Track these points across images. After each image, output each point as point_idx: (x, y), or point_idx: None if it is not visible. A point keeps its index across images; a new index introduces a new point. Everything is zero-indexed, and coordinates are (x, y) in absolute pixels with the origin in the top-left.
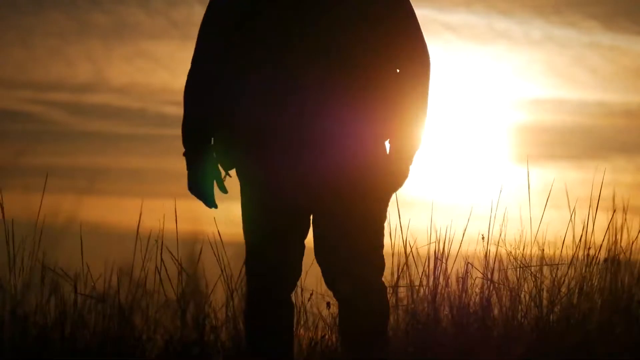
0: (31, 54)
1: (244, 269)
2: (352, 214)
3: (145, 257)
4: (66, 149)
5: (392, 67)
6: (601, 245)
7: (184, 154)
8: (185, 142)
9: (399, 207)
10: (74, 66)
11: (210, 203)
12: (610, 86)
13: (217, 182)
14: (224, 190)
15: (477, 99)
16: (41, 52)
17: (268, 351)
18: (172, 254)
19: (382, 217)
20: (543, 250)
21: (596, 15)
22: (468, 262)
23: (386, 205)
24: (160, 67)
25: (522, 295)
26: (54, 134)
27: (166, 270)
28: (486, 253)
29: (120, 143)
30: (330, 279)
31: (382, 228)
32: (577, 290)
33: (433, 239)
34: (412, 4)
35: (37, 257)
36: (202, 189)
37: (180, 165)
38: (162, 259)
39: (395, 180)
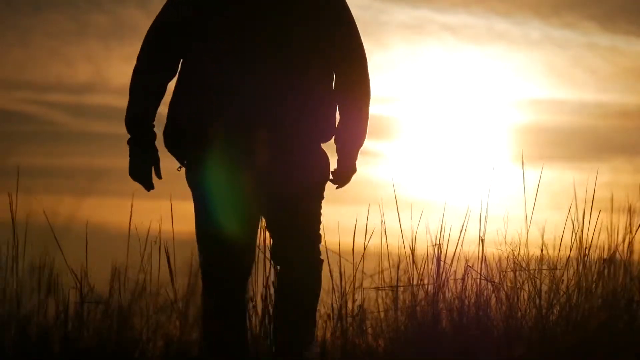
0: (30, 54)
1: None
2: (303, 206)
3: (144, 257)
4: (65, 150)
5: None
6: (602, 246)
7: (128, 142)
8: (129, 129)
9: (398, 208)
10: (73, 67)
11: (149, 186)
12: (609, 87)
13: (154, 168)
14: (159, 175)
15: (476, 100)
16: (40, 52)
17: (224, 340)
18: (171, 255)
19: (319, 209)
20: (542, 250)
21: (594, 16)
22: (468, 265)
23: (321, 199)
24: None
25: (522, 296)
26: (53, 135)
27: (170, 271)
28: (484, 254)
29: (120, 144)
30: (277, 258)
31: (320, 219)
32: (576, 291)
33: (433, 239)
34: (411, 5)
35: (37, 258)
36: (142, 173)
37: (176, 165)
38: (167, 260)
39: (347, 176)
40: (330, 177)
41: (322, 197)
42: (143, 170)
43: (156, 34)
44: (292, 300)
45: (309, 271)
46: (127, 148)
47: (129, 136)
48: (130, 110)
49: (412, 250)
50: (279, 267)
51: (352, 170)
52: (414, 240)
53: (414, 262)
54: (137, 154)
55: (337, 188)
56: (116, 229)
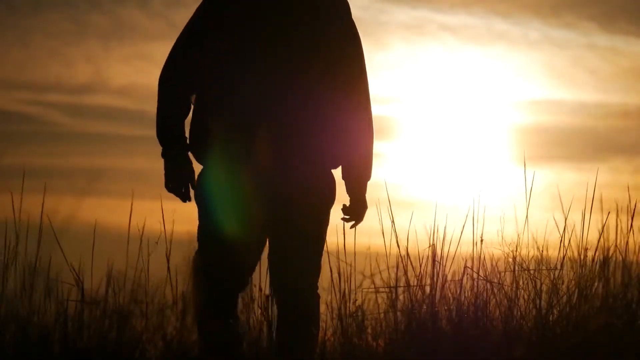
0: (30, 54)
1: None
2: (307, 230)
3: (144, 258)
4: (64, 150)
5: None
6: (601, 247)
7: (162, 155)
8: (161, 140)
9: (391, 207)
10: (72, 67)
11: (186, 198)
12: (609, 87)
13: (189, 180)
14: (194, 186)
15: (476, 100)
16: (40, 52)
17: (220, 340)
18: (168, 256)
19: (325, 236)
20: (542, 251)
21: (594, 16)
22: (466, 266)
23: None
24: (159, 69)
25: (521, 296)
26: (52, 135)
27: (170, 271)
28: (483, 255)
29: (119, 144)
30: (276, 287)
31: (323, 248)
32: (576, 292)
33: (431, 240)
34: (411, 5)
35: (36, 259)
36: (178, 187)
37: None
38: (167, 260)
39: (359, 212)
40: (342, 217)
41: (327, 221)
42: (179, 183)
43: (184, 42)
44: (291, 335)
45: (305, 301)
46: (127, 148)
47: (156, 146)
48: (159, 119)
49: (410, 251)
50: (275, 298)
51: (364, 205)
52: (413, 240)
53: (410, 262)
54: (172, 168)
55: (351, 227)
56: (116, 229)
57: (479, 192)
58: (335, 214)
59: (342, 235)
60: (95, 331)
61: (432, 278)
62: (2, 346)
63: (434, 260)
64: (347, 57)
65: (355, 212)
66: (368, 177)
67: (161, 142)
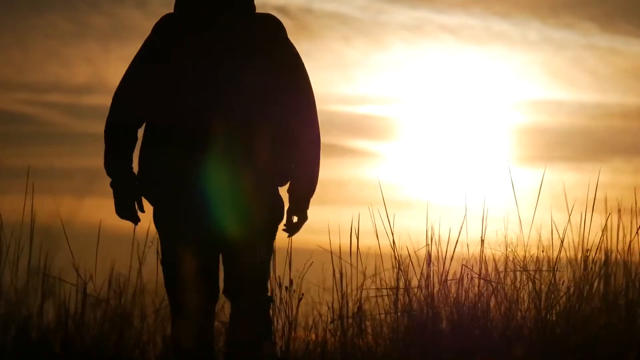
0: (29, 55)
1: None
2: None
3: (143, 258)
4: (64, 151)
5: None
6: (601, 247)
7: (110, 184)
8: (109, 175)
9: (391, 208)
10: (71, 68)
11: (136, 221)
12: (608, 87)
13: (137, 204)
14: (142, 209)
15: (475, 101)
16: (39, 53)
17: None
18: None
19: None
20: (543, 251)
21: (593, 16)
22: (464, 265)
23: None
24: None
25: (522, 297)
26: (51, 136)
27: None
28: (484, 255)
29: None
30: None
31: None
32: (576, 293)
33: (430, 240)
34: (411, 5)
35: (35, 259)
36: (128, 212)
37: None
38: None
39: (299, 225)
40: (283, 228)
41: (273, 238)
42: (128, 209)
43: (127, 86)
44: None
45: (254, 309)
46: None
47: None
48: (108, 158)
49: (409, 252)
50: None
51: (305, 219)
52: (413, 241)
53: (401, 265)
54: (121, 195)
55: (288, 236)
56: (115, 229)
57: (480, 193)
58: None
59: (344, 236)
60: (95, 331)
61: (431, 278)
62: (2, 346)
63: (429, 261)
64: (290, 80)
65: (297, 225)
66: (312, 193)
67: (114, 176)
